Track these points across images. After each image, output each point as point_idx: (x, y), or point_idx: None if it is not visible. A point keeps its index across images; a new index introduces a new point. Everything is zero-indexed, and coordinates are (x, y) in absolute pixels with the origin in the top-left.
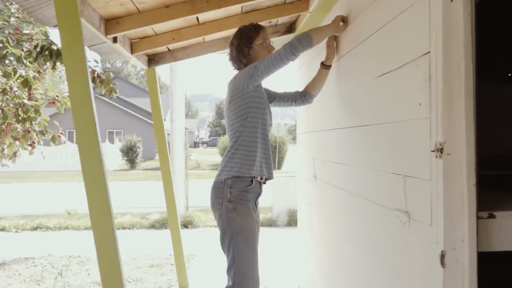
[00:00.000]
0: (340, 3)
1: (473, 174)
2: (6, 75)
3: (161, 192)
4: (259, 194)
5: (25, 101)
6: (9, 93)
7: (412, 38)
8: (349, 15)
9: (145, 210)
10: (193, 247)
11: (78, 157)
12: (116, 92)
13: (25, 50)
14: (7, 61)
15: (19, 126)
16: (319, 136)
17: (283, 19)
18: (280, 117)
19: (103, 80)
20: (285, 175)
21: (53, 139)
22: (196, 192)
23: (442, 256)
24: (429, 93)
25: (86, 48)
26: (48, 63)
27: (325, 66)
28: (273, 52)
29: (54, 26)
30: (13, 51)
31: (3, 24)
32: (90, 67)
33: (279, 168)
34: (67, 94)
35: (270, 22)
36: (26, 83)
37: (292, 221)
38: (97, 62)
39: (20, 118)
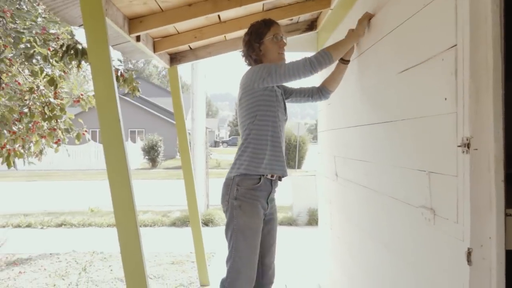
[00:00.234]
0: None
1: (501, 169)
2: (34, 74)
3: (182, 190)
4: (270, 192)
5: (51, 99)
6: (36, 92)
7: (437, 32)
8: (371, 10)
9: (166, 208)
10: (214, 245)
11: (101, 156)
12: (139, 91)
13: (51, 49)
14: (34, 60)
15: (45, 124)
16: (340, 134)
17: (305, 17)
18: (301, 117)
19: (126, 79)
20: (305, 174)
21: (78, 136)
22: (217, 190)
23: (469, 254)
24: (455, 87)
25: (110, 47)
26: (73, 62)
27: (343, 61)
28: (292, 62)
29: (80, 26)
30: (40, 51)
31: (31, 24)
32: (114, 66)
33: (299, 167)
34: (91, 93)
35: (292, 19)
36: (52, 82)
37: (312, 220)
38: (120, 61)
39: (46, 116)
